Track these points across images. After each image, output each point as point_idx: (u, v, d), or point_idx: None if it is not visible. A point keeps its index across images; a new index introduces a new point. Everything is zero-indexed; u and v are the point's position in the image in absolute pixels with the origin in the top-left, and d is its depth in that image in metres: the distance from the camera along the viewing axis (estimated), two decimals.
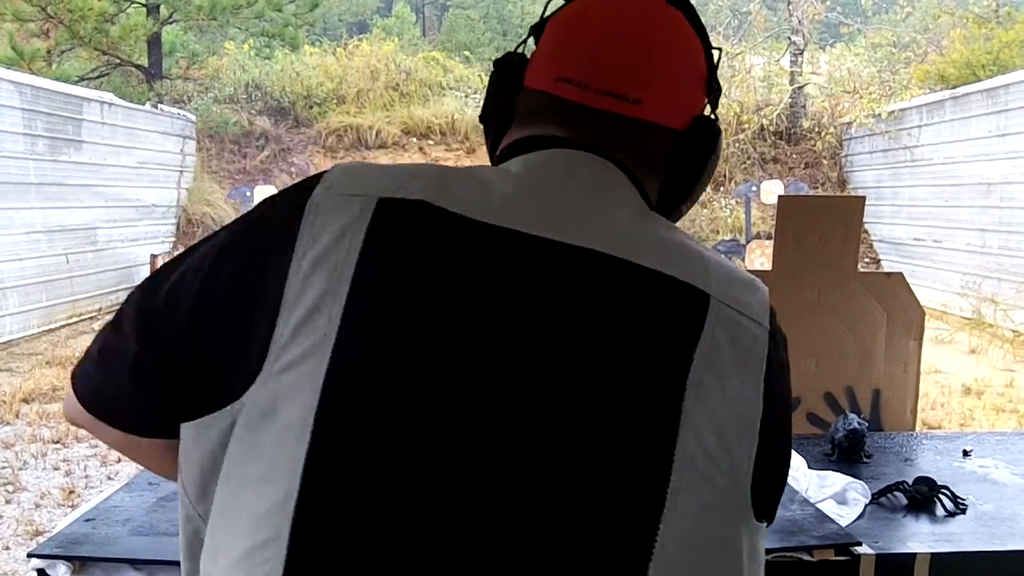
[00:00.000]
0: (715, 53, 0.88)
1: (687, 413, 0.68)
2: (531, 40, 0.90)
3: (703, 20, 0.89)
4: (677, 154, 0.85)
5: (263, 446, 0.69)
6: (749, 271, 0.81)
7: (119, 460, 4.67)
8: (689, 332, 0.71)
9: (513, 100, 0.87)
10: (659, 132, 0.83)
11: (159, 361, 0.75)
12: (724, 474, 0.69)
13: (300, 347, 0.69)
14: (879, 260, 11.39)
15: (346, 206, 0.73)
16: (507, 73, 0.88)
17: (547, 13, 0.89)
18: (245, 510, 0.69)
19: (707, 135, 0.86)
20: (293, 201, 0.76)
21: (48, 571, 1.32)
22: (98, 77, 13.40)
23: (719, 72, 0.90)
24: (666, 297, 0.72)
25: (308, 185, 0.77)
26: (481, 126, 0.95)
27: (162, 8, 13.15)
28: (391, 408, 0.68)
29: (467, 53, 17.56)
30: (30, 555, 1.33)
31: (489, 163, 0.91)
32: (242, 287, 0.73)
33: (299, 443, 0.67)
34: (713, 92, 0.88)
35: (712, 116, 0.88)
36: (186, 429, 0.74)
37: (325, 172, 0.78)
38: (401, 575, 0.66)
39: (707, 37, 0.88)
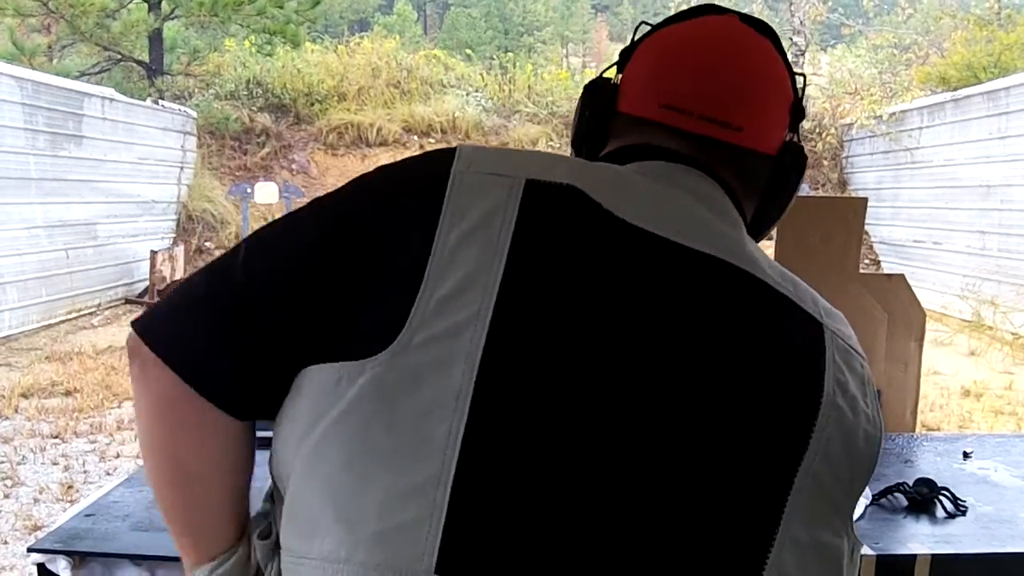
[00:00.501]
0: (800, 80, 0.90)
1: (820, 428, 0.72)
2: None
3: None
4: (771, 179, 0.87)
5: (401, 419, 0.68)
6: None
7: (118, 456, 4.68)
8: (816, 353, 0.74)
9: (607, 125, 0.89)
10: (757, 158, 0.86)
11: (273, 296, 0.73)
12: (842, 491, 0.73)
13: (448, 321, 0.69)
14: (879, 261, 11.39)
15: (493, 185, 0.74)
16: (601, 98, 0.89)
17: (636, 37, 0.91)
18: (371, 484, 0.68)
19: (796, 159, 0.88)
20: (426, 174, 0.75)
21: (48, 565, 1.32)
22: (99, 72, 13.38)
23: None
24: (791, 317, 0.76)
25: (438, 160, 0.76)
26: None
27: (163, 4, 13.13)
28: (548, 393, 0.68)
29: (468, 51, 17.57)
30: (30, 549, 1.33)
31: None
32: (366, 252, 0.72)
33: (453, 419, 0.67)
34: (796, 117, 0.90)
35: (797, 139, 0.91)
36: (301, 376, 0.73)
37: (454, 150, 0.78)
38: (551, 560, 0.67)
39: (790, 63, 0.90)
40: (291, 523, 0.73)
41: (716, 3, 0.90)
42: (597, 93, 0.90)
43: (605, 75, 0.92)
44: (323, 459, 0.69)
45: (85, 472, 4.44)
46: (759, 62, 0.86)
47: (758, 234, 0.90)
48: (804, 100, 0.91)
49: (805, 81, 0.90)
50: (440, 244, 0.71)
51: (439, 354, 0.68)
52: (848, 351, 0.77)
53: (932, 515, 1.55)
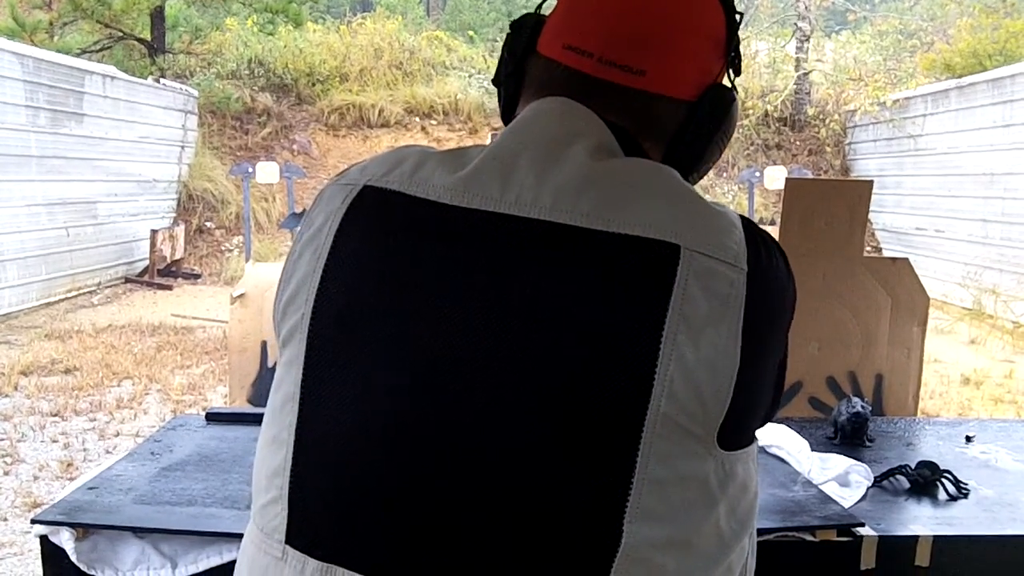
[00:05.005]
0: (738, 16, 0.85)
1: (660, 372, 0.68)
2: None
3: None
4: (682, 125, 0.83)
5: (274, 410, 0.78)
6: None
7: (117, 434, 4.69)
8: (660, 290, 0.69)
9: (524, 65, 0.86)
10: (664, 102, 0.81)
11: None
12: (697, 423, 0.70)
13: (288, 325, 0.78)
14: (881, 249, 11.37)
15: (338, 193, 0.79)
16: (521, 37, 0.86)
17: None
18: (262, 463, 0.79)
19: (716, 106, 0.83)
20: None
21: (51, 538, 1.32)
22: (100, 50, 13.30)
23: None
24: (631, 259, 0.70)
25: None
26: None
27: None
28: (356, 388, 0.73)
29: (471, 33, 17.47)
30: (34, 521, 1.33)
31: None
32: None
33: (291, 417, 0.76)
34: (731, 58, 0.85)
35: (730, 83, 0.86)
36: None
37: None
38: (383, 536, 0.72)
39: (731, 3, 0.85)
40: None
41: None
42: (519, 30, 0.87)
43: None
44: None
45: (85, 450, 4.45)
46: (679, 3, 0.81)
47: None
48: (737, 40, 0.85)
49: (741, 19, 0.84)
50: (293, 251, 0.80)
51: (287, 355, 0.78)
52: (710, 270, 0.70)
53: (934, 497, 1.55)
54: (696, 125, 0.83)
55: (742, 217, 0.76)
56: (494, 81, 0.90)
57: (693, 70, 0.82)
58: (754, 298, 0.71)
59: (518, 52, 0.86)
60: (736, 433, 0.74)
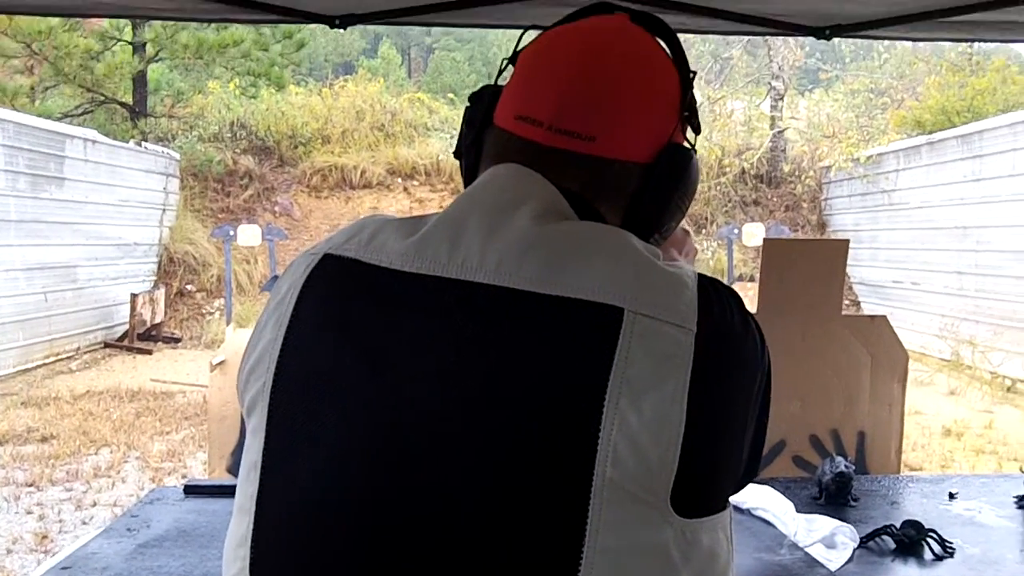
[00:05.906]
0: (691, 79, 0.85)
1: (604, 438, 0.67)
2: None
3: None
4: (639, 187, 0.83)
5: (241, 478, 0.77)
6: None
7: (94, 504, 4.59)
8: (602, 355, 0.68)
9: (482, 136, 0.87)
10: (619, 166, 0.81)
11: None
12: (644, 489, 0.68)
13: (251, 393, 0.77)
14: (858, 302, 11.48)
15: (303, 263, 0.80)
16: (479, 109, 0.88)
17: (520, 46, 0.88)
18: (230, 532, 0.78)
19: (673, 166, 0.83)
20: None
21: None
22: (82, 114, 13.39)
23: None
24: (574, 323, 0.70)
25: None
26: None
27: (148, 46, 13.21)
28: (315, 458, 0.72)
29: (452, 95, 17.73)
30: None
31: None
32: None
33: (253, 486, 0.75)
34: (685, 118, 0.85)
35: (687, 142, 0.87)
36: None
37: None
38: None
39: (683, 58, 0.85)
40: None
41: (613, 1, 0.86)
42: (477, 102, 0.88)
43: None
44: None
45: (60, 521, 4.35)
46: (627, 67, 0.82)
47: (643, 239, 0.81)
48: (692, 99, 0.85)
49: (693, 77, 0.85)
50: (260, 319, 0.80)
51: (253, 423, 0.77)
52: (655, 332, 0.69)
53: (920, 557, 1.55)
54: (653, 186, 0.83)
55: (701, 276, 0.75)
56: (455, 153, 0.91)
57: (646, 132, 0.83)
58: (704, 358, 0.70)
59: (476, 123, 0.87)
60: (697, 499, 0.71)
